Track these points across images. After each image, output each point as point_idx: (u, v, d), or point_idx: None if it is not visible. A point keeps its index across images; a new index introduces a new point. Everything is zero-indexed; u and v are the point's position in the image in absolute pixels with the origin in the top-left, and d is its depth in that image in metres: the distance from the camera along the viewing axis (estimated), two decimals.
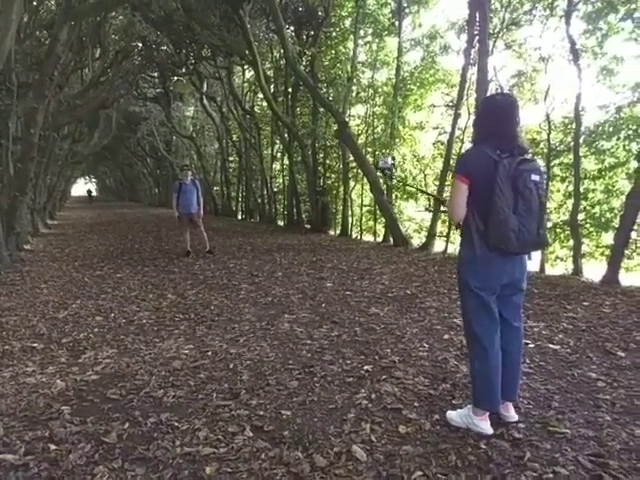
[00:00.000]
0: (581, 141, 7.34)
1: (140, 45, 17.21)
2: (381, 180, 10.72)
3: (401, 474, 2.18)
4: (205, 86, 20.59)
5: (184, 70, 18.77)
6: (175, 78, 20.88)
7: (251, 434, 2.54)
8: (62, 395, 3.06)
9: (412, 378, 3.26)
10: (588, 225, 7.39)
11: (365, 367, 3.46)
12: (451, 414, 2.67)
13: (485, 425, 2.52)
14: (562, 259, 7.86)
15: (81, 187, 70.01)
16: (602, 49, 7.52)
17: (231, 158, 23.07)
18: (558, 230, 7.89)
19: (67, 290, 6.26)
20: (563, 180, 7.75)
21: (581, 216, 7.41)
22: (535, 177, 2.41)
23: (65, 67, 16.04)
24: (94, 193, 62.23)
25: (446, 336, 4.19)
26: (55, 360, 3.70)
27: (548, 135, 7.76)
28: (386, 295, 5.81)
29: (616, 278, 6.53)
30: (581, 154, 7.34)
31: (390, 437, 2.50)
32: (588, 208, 7.40)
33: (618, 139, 7.05)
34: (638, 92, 6.89)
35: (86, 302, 5.57)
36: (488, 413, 2.56)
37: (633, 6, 7.14)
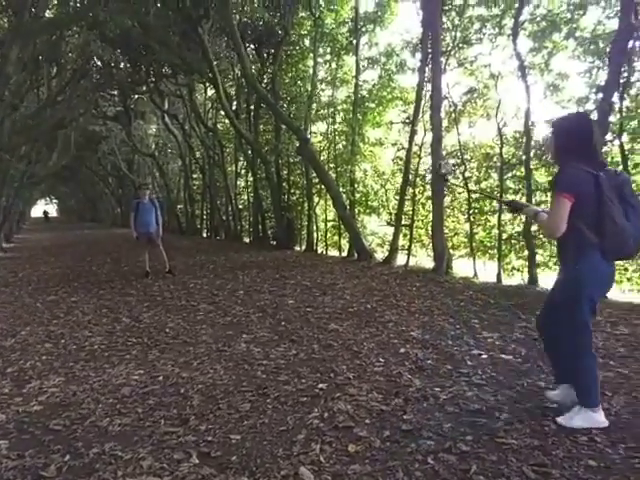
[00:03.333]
0: (532, 154, 7.60)
1: (98, 63, 17.01)
2: (344, 196, 10.86)
3: None
4: (166, 104, 20.42)
5: (144, 88, 18.58)
6: (136, 96, 20.65)
7: (197, 461, 2.47)
8: (1, 428, 2.92)
9: (366, 394, 3.25)
10: (541, 235, 7.61)
11: (320, 385, 3.43)
12: (569, 419, 2.73)
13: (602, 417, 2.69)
14: (518, 269, 8.08)
15: (42, 208, 68.01)
16: (548, 66, 7.85)
17: (195, 175, 22.86)
18: (513, 241, 8.13)
19: (17, 316, 6.01)
20: (516, 192, 8.00)
21: (534, 227, 7.61)
22: (631, 186, 2.67)
23: (19, 86, 15.68)
24: (53, 214, 60.55)
25: (402, 350, 4.21)
26: None
27: (500, 149, 8.02)
28: (347, 310, 5.82)
29: None
30: (532, 167, 7.59)
31: (339, 457, 2.48)
32: None
33: None
34: (582, 107, 7.21)
35: (36, 328, 5.36)
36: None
37: (574, 25, 7.52)
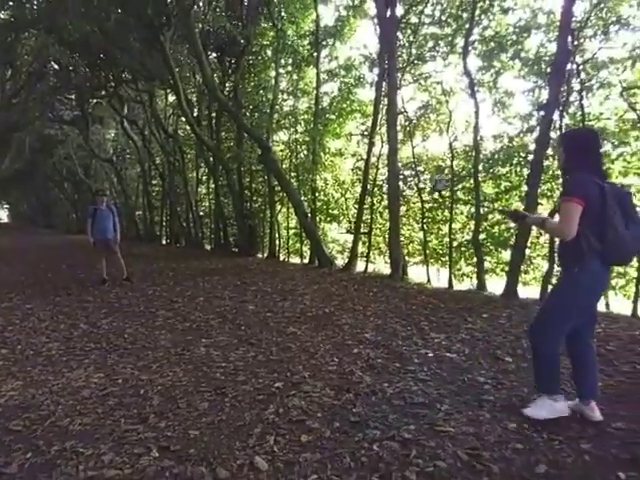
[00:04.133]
0: (480, 167, 8.06)
1: (56, 67, 16.65)
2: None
3: (298, 479, 2.35)
4: (126, 109, 20.14)
5: (103, 93, 18.29)
6: (94, 101, 20.28)
7: (157, 454, 2.60)
8: None
9: (319, 391, 3.45)
10: (489, 243, 8.08)
11: (276, 384, 3.61)
12: (534, 410, 2.93)
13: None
14: (468, 275, 8.50)
15: None
16: (496, 84, 8.35)
17: (154, 182, 22.57)
18: (463, 249, 8.56)
19: None
20: (466, 203, 8.44)
21: (482, 236, 8.07)
22: (632, 198, 2.87)
23: None
24: (4, 220, 58.07)
25: (355, 350, 4.44)
26: None
27: (451, 162, 8.46)
28: (305, 314, 6.01)
29: (515, 291, 7.17)
30: (480, 179, 8.04)
31: (292, 447, 2.67)
32: (488, 228, 8.11)
33: (511, 165, 7.85)
34: (526, 123, 7.73)
35: None
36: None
37: (520, 47, 8.05)
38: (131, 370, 4.01)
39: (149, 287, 8.33)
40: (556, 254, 6.86)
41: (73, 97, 19.57)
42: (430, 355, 4.25)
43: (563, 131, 7.03)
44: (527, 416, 2.90)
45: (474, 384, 3.56)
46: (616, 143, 6.47)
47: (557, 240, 3.38)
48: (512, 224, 6.44)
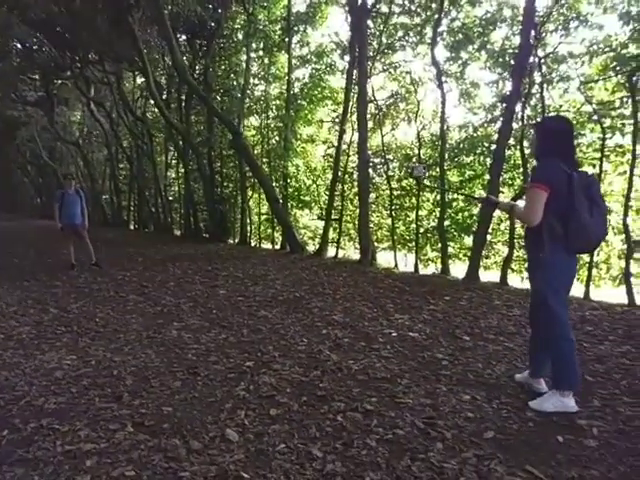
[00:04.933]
0: (446, 156, 8.31)
1: (19, 46, 16.08)
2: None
3: (267, 448, 2.52)
4: (92, 91, 19.62)
5: (69, 74, 17.78)
6: (59, 81, 19.67)
7: (132, 429, 2.73)
8: None
9: (288, 369, 3.63)
10: (453, 230, 8.38)
11: (247, 363, 3.76)
12: (540, 403, 2.90)
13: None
14: (432, 260, 8.81)
15: None
16: (463, 75, 8.57)
17: (121, 165, 22.15)
18: (429, 235, 8.85)
19: None
20: (432, 190, 8.71)
21: (447, 222, 8.35)
22: (598, 187, 2.93)
23: None
24: None
25: (324, 331, 4.63)
26: None
27: (419, 150, 8.69)
28: (276, 299, 6.16)
29: (476, 275, 7.49)
30: (446, 167, 8.30)
31: (262, 420, 2.83)
32: (453, 215, 8.40)
33: (475, 155, 8.13)
34: (490, 114, 8.00)
35: None
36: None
37: (486, 39, 8.27)
38: (103, 352, 4.09)
39: (118, 272, 8.31)
40: (516, 240, 7.20)
41: (37, 77, 18.94)
42: (394, 335, 4.48)
43: (525, 122, 7.33)
44: (533, 409, 2.89)
45: (433, 360, 3.79)
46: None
47: (521, 225, 3.46)
48: (480, 208, 6.65)
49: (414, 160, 8.74)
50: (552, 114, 6.80)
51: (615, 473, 2.25)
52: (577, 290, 6.64)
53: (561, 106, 7.10)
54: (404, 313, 5.30)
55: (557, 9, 7.00)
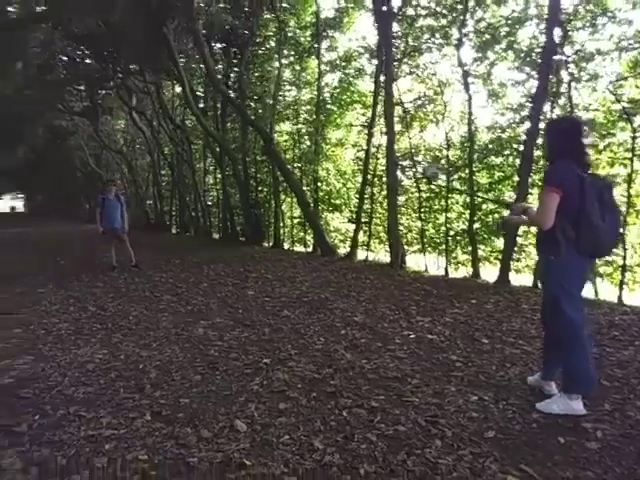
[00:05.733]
0: (475, 157, 8.24)
1: (65, 59, 16.98)
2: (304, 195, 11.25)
3: (272, 439, 2.66)
4: (134, 100, 20.47)
5: (112, 84, 18.62)
6: (103, 92, 20.63)
7: (149, 418, 2.93)
8: None
9: (303, 366, 3.76)
10: (483, 232, 8.29)
11: (264, 360, 3.92)
12: (547, 405, 2.91)
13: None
14: (463, 264, 8.72)
15: (9, 203, 66.22)
16: (490, 75, 8.48)
17: (163, 172, 22.95)
18: (459, 237, 8.78)
19: None
20: (461, 193, 8.64)
21: (477, 225, 8.28)
22: (613, 191, 2.92)
23: None
24: (21, 209, 59.17)
25: (343, 331, 4.74)
26: None
27: (447, 152, 8.65)
28: (301, 300, 6.30)
29: (507, 279, 7.39)
30: (475, 169, 8.23)
31: (271, 413, 2.97)
32: (482, 217, 8.31)
33: (503, 156, 8.03)
34: (519, 114, 7.87)
35: (5, 316, 5.65)
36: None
37: (513, 38, 8.16)
38: (133, 348, 4.34)
39: (156, 274, 8.68)
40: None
41: (82, 88, 19.94)
42: (412, 336, 4.53)
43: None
44: (539, 411, 2.89)
45: (446, 362, 3.83)
46: (604, 134, 6.61)
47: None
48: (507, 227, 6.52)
49: (440, 160, 8.69)
50: (579, 113, 6.68)
51: (611, 475, 2.26)
52: (610, 294, 6.49)
53: (590, 105, 6.93)
54: (426, 316, 5.33)
55: (584, 6, 6.84)
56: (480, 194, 8.03)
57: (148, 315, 5.61)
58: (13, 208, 47.12)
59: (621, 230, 3.07)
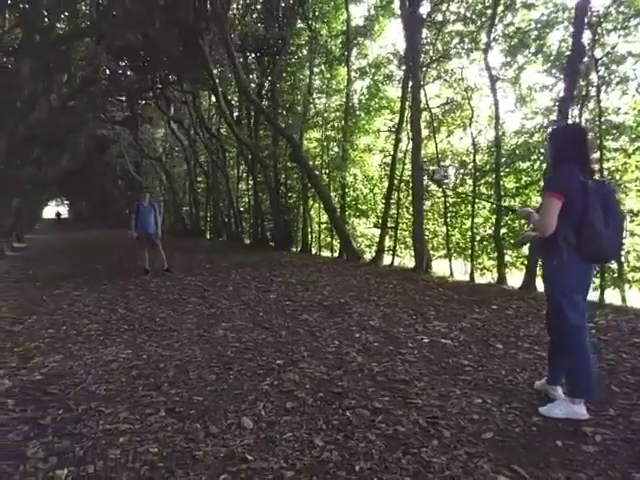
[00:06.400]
0: (502, 162, 8.16)
1: (107, 71, 17.78)
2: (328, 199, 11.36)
3: (275, 435, 2.77)
4: (172, 110, 21.17)
5: (151, 94, 19.35)
6: (143, 102, 21.45)
7: (163, 414, 3.09)
8: (8, 391, 3.55)
9: (313, 368, 3.85)
10: (509, 238, 8.19)
11: (277, 361, 4.04)
12: (550, 409, 2.92)
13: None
14: (489, 269, 8.62)
15: (54, 209, 69.35)
16: (519, 80, 8.40)
17: (199, 179, 23.60)
18: (485, 243, 8.69)
19: (25, 307, 6.66)
20: (488, 197, 8.55)
21: (503, 230, 8.18)
22: (617, 196, 2.91)
23: (32, 95, 16.48)
24: (65, 215, 61.82)
25: (357, 335, 4.81)
26: (6, 365, 4.15)
27: (474, 157, 8.59)
28: (321, 304, 6.41)
29: (533, 285, 7.28)
30: (502, 174, 8.15)
31: (277, 411, 3.08)
32: (509, 222, 8.20)
33: (530, 160, 7.92)
34: (547, 118, 7.76)
35: (41, 317, 6.00)
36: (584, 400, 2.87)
37: (542, 42, 8.07)
38: (155, 348, 4.55)
39: (186, 277, 8.98)
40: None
41: (123, 99, 20.78)
42: (425, 341, 4.56)
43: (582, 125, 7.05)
44: (542, 414, 2.90)
45: (456, 366, 3.85)
46: (633, 137, 6.44)
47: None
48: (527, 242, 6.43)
49: (436, 167, 8.66)
50: (608, 118, 6.53)
51: (603, 478, 2.26)
52: (637, 301, 6.30)
53: (619, 108, 6.76)
54: (443, 321, 5.33)
55: (615, 7, 6.70)
56: (491, 200, 7.93)
57: (174, 317, 5.84)
58: (59, 214, 49.50)
59: (625, 235, 3.00)
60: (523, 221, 7.99)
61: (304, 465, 2.46)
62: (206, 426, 2.90)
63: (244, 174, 19.35)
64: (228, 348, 4.49)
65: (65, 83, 18.13)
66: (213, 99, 20.07)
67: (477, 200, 8.35)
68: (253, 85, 15.72)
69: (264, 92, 15.47)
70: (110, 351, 4.50)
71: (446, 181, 5.05)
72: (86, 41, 14.75)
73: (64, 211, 67.29)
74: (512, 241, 7.74)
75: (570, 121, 6.83)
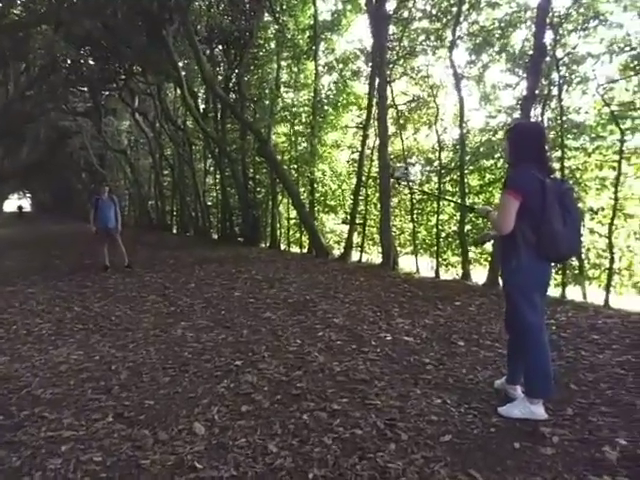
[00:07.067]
0: (467, 159, 8.21)
1: (68, 60, 17.14)
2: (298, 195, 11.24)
3: (228, 442, 2.66)
4: (137, 102, 20.59)
5: (114, 85, 18.75)
6: (106, 93, 20.79)
7: (111, 420, 2.94)
8: None
9: (273, 368, 3.76)
10: (474, 234, 8.26)
11: (236, 362, 3.92)
12: (508, 410, 2.90)
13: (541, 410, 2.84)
14: (454, 265, 8.70)
15: (16, 203, 66.84)
16: (483, 78, 8.46)
17: (165, 172, 23.06)
18: (450, 239, 8.76)
19: None
20: (453, 195, 8.61)
21: (468, 227, 8.25)
22: (574, 195, 2.87)
23: None
24: (28, 209, 59.66)
25: (320, 333, 4.73)
26: None
27: (439, 154, 8.63)
28: (286, 301, 6.30)
29: (496, 281, 7.35)
30: (466, 172, 8.21)
31: (232, 415, 2.98)
32: (473, 220, 8.28)
33: (494, 158, 8.01)
34: (510, 117, 7.85)
35: None
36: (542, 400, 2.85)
37: (505, 41, 8.14)
38: (109, 349, 4.37)
39: (147, 274, 8.71)
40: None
41: (85, 89, 20.08)
42: (388, 338, 4.52)
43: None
44: (501, 415, 2.89)
45: (417, 364, 3.82)
46: (593, 136, 6.57)
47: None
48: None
49: (398, 164, 8.70)
50: (570, 116, 6.64)
51: None
52: (597, 297, 6.45)
53: (580, 108, 6.89)
54: (407, 318, 5.31)
55: (576, 8, 6.80)
56: (450, 198, 8.02)
57: (130, 316, 5.64)
58: (21, 207, 47.68)
59: (582, 234, 3.00)
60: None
61: (256, 473, 2.36)
62: (155, 432, 2.77)
63: (211, 168, 18.99)
64: (185, 349, 4.34)
65: (23, 71, 17.43)
66: (179, 91, 19.65)
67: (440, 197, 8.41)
68: (220, 78, 15.41)
69: (231, 85, 15.18)
70: (60, 352, 4.29)
71: (407, 178, 5.01)
72: (44, 29, 14.16)
73: (27, 204, 64.95)
74: (471, 240, 7.80)
75: (532, 120, 6.93)
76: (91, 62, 16.70)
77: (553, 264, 3.23)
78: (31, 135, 23.74)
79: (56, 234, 21.21)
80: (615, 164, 6.28)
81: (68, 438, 2.72)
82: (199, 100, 17.56)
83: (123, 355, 4.16)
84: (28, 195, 67.77)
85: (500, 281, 7.36)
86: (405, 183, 5.81)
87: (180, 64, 13.74)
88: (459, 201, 7.85)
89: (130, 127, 26.29)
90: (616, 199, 6.12)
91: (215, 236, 18.00)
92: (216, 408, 3.06)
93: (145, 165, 26.65)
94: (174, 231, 22.26)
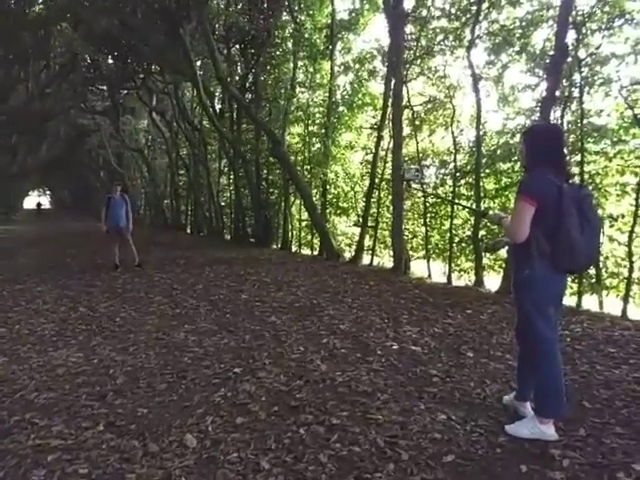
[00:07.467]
0: (483, 162, 7.99)
1: (87, 58, 17.30)
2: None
3: (219, 456, 2.54)
4: (155, 100, 20.71)
5: (132, 84, 18.87)
6: (124, 92, 20.94)
7: (102, 428, 2.84)
8: None
9: (272, 377, 3.63)
10: (488, 240, 8.02)
11: (235, 369, 3.80)
12: (516, 428, 2.74)
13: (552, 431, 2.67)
14: (466, 271, 8.48)
15: (36, 199, 68.11)
16: (502, 79, 8.23)
17: (181, 172, 23.15)
18: (463, 245, 8.54)
19: None
20: (468, 199, 8.39)
21: (482, 232, 8.03)
22: (593, 201, 2.72)
23: (7, 80, 15.97)
24: (47, 206, 60.71)
25: (324, 340, 4.59)
26: None
27: (455, 157, 8.42)
28: (293, 305, 6.18)
29: (509, 288, 7.12)
30: (482, 175, 7.98)
31: (226, 427, 2.85)
32: (488, 225, 8.05)
33: (511, 161, 7.77)
34: (529, 119, 7.61)
35: None
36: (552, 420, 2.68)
37: (526, 41, 7.90)
38: (109, 351, 4.29)
39: (157, 274, 8.67)
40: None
41: (104, 88, 20.26)
42: (394, 347, 4.36)
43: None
44: (508, 434, 2.72)
45: (424, 376, 3.65)
46: (615, 140, 6.31)
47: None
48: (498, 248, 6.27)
49: (409, 165, 8.50)
50: (591, 119, 6.39)
51: None
52: (614, 307, 6.19)
53: (602, 110, 6.62)
54: (415, 325, 5.15)
55: (600, 7, 6.55)
56: (462, 202, 7.80)
57: (135, 317, 5.57)
58: (39, 204, 48.52)
59: (602, 242, 2.81)
60: None
61: None
62: (145, 444, 2.66)
63: (225, 168, 18.98)
64: (186, 353, 4.24)
65: (42, 69, 17.64)
66: (196, 91, 19.68)
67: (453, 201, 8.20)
68: (237, 77, 15.37)
69: (248, 84, 15.13)
70: (60, 354, 4.23)
71: (417, 180, 4.87)
72: (64, 27, 14.31)
73: (46, 202, 66.16)
74: (483, 246, 7.57)
75: (552, 122, 6.69)
76: (110, 61, 16.86)
77: (569, 274, 3.02)
78: (51, 132, 24.03)
79: (72, 232, 21.41)
80: (637, 169, 6.03)
81: (56, 447, 2.62)
82: (215, 100, 17.54)
83: (122, 359, 4.07)
84: (48, 192, 69.02)
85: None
86: (416, 185, 5.63)
87: (198, 63, 13.75)
88: (473, 206, 7.64)
89: (147, 126, 26.50)
90: (637, 206, 5.85)
91: (228, 237, 17.99)
92: (210, 418, 2.95)
93: (161, 164, 26.81)
94: (188, 231, 22.34)
